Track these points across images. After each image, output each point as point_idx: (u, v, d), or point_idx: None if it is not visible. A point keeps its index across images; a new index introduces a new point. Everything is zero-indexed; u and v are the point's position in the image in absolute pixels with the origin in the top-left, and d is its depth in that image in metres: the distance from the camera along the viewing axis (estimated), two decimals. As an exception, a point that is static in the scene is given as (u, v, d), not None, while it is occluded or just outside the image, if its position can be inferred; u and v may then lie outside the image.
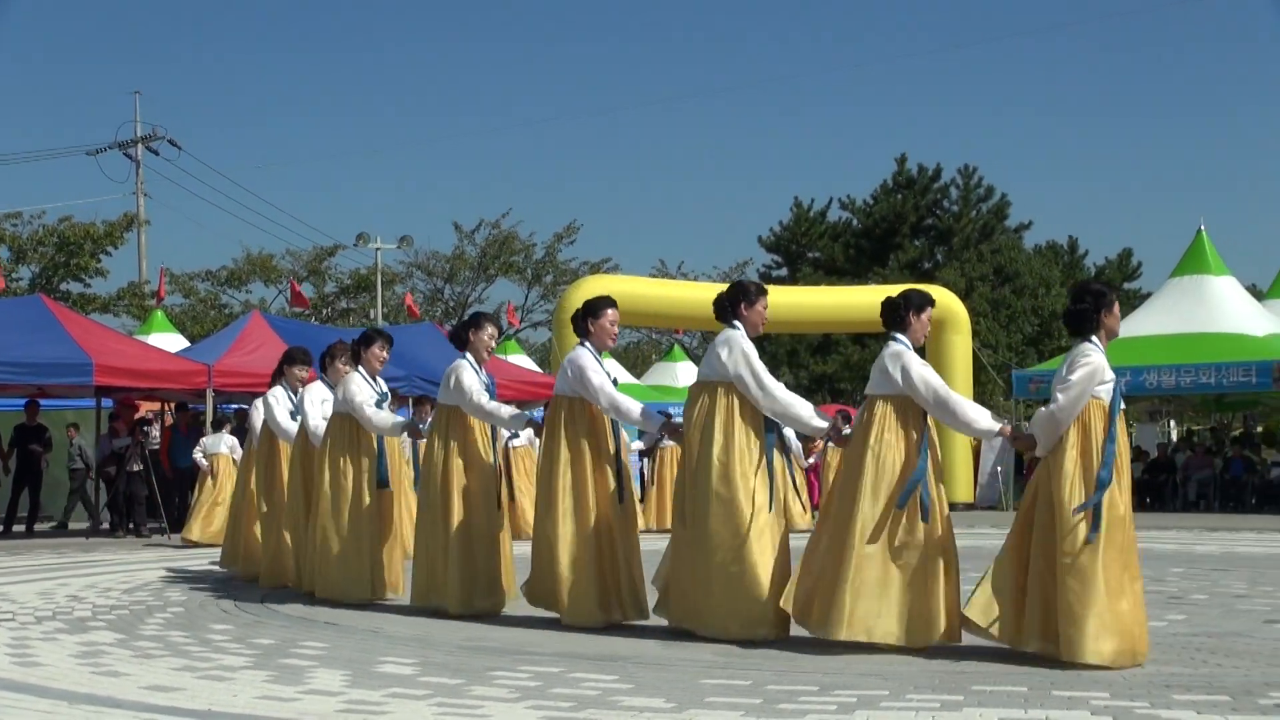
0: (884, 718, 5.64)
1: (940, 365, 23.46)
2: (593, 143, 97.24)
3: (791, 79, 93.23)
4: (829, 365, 43.53)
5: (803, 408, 7.88)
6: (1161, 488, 26.00)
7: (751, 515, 7.65)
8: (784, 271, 49.31)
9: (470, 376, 9.01)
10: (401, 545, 10.25)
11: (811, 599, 7.48)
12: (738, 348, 7.87)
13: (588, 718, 5.66)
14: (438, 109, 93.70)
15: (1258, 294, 30.77)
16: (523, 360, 31.43)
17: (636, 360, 49.97)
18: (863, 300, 27.86)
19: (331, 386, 10.45)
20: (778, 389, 7.84)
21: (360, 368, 10.06)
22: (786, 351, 45.35)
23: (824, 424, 7.93)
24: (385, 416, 9.74)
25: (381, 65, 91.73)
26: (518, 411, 9.20)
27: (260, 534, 11.52)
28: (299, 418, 10.86)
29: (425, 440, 9.33)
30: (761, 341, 8.72)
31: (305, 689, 6.33)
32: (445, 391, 9.12)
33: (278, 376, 11.78)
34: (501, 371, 20.68)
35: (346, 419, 9.83)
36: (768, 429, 7.87)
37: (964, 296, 33.34)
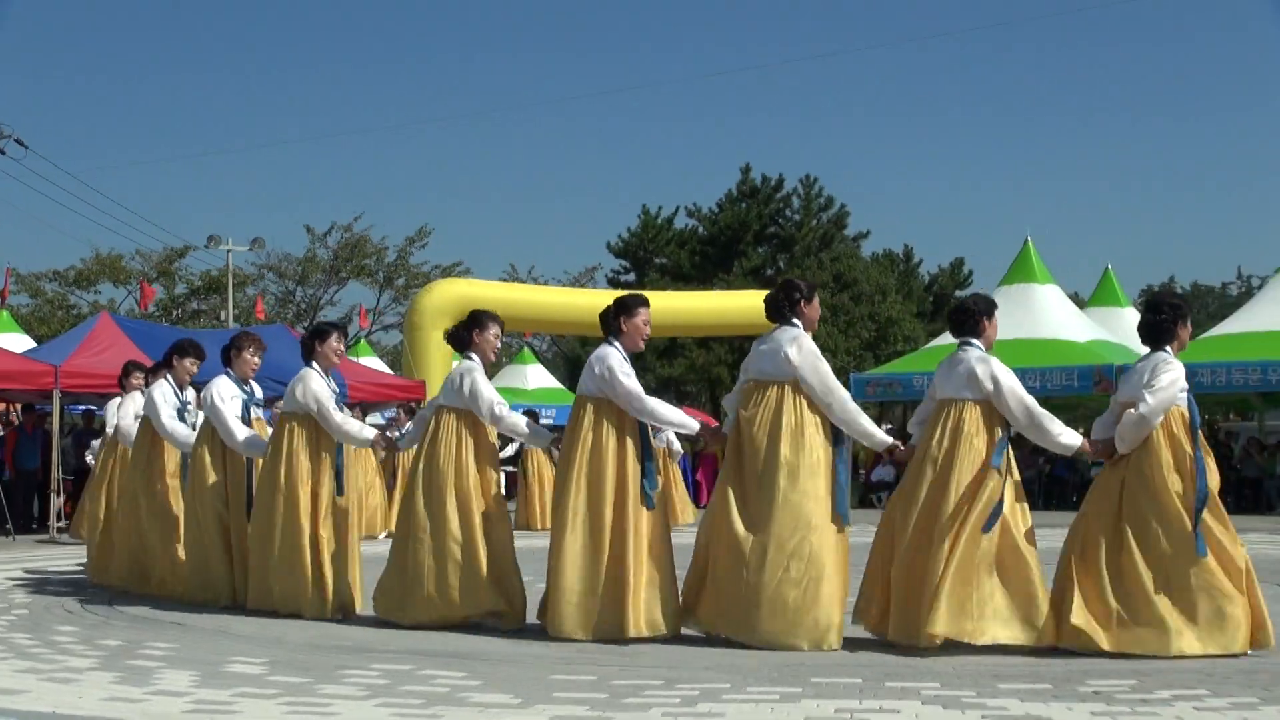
0: (725, 709, 5.68)
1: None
2: (445, 148, 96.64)
3: (639, 90, 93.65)
4: (674, 368, 43.79)
5: (868, 422, 7.77)
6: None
7: (821, 522, 7.41)
8: (632, 277, 49.46)
9: (319, 385, 8.93)
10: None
11: (898, 606, 7.32)
12: (808, 348, 7.66)
13: (436, 714, 5.61)
14: (291, 111, 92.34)
15: (1080, 302, 31.80)
16: (374, 362, 31.16)
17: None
18: (708, 305, 28.09)
19: (240, 381, 9.69)
20: (849, 399, 7.72)
21: (229, 371, 9.76)
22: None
23: (888, 440, 7.87)
24: (355, 424, 9.20)
25: (233, 66, 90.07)
26: (368, 427, 9.32)
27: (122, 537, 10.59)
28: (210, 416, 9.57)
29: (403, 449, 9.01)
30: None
31: (153, 690, 6.17)
32: (291, 400, 8.98)
33: (151, 373, 11.19)
34: (353, 373, 20.43)
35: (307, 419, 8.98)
36: (838, 438, 7.65)
37: (805, 302, 33.70)
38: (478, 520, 8.14)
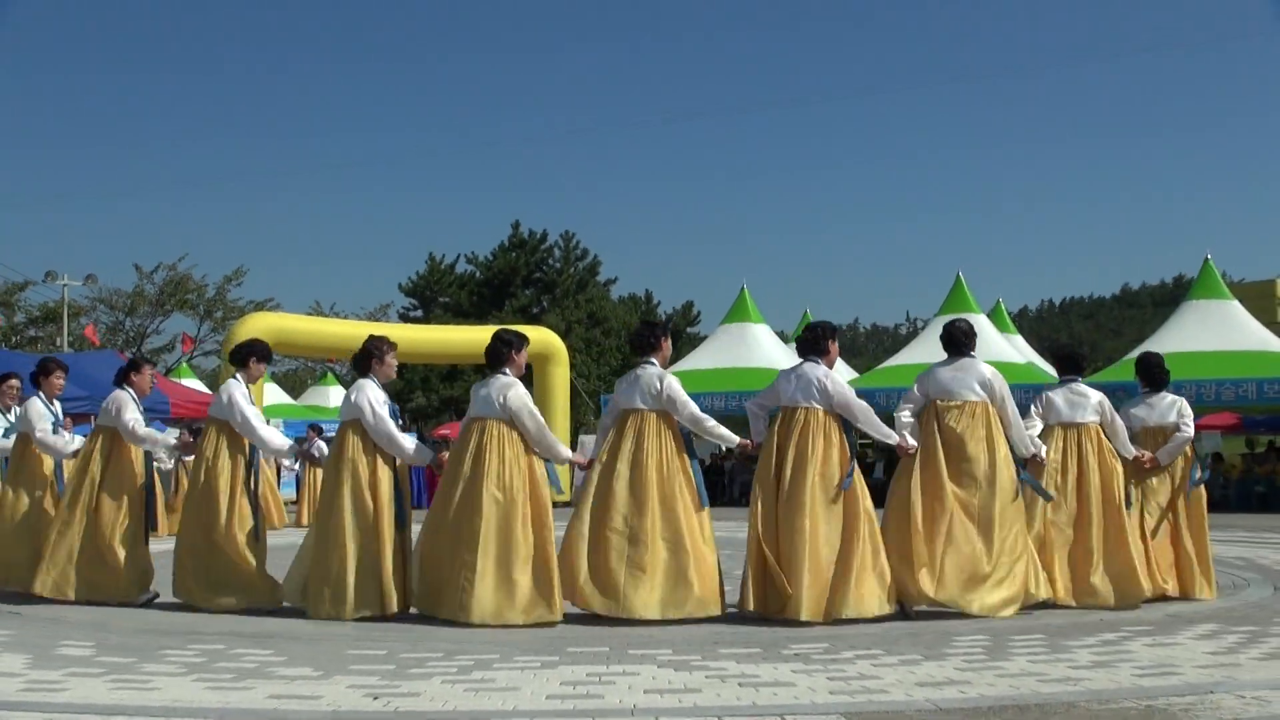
0: (495, 676, 5.64)
1: (543, 392, 23.73)
2: (258, 200, 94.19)
3: (430, 153, 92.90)
4: (455, 389, 43.55)
5: (885, 427, 7.89)
6: (714, 487, 27.22)
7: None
8: (420, 313, 49.06)
9: (131, 408, 8.68)
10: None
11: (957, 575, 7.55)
12: (838, 378, 7.76)
13: (246, 686, 5.43)
14: (124, 162, 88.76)
15: (785, 338, 32.81)
16: (195, 383, 30.14)
17: (294, 385, 48.64)
18: (484, 338, 27.71)
19: (136, 400, 8.92)
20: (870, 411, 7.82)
21: (40, 393, 9.31)
22: (420, 378, 44.99)
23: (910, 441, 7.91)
24: (279, 437, 8.73)
25: (71, 122, 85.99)
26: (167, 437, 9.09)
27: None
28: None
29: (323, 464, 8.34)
30: (401, 369, 8.44)
31: (-11, 672, 5.79)
32: (106, 416, 8.74)
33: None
34: (176, 393, 19.78)
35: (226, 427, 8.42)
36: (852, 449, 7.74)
37: (564, 336, 33.86)
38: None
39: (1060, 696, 5.09)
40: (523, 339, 8.17)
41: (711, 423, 7.95)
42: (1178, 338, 22.35)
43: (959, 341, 8.14)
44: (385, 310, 52.08)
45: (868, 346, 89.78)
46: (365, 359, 8.27)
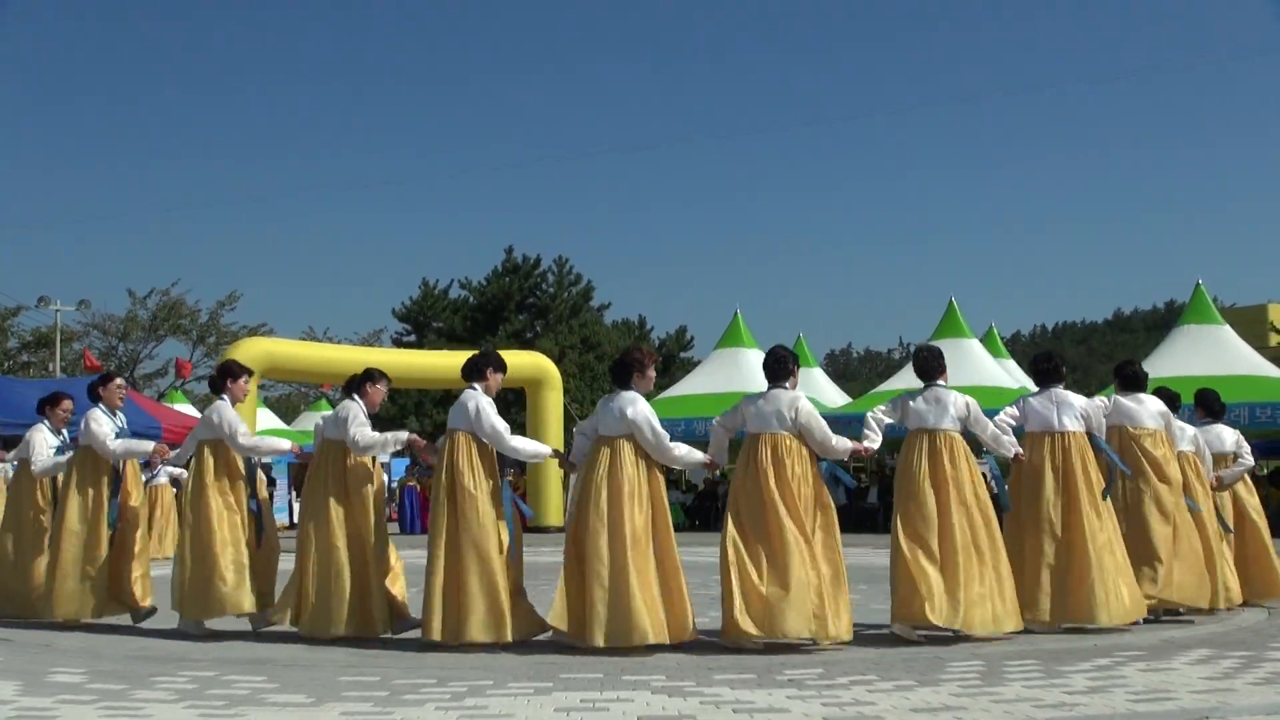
0: (489, 703, 5.62)
1: (537, 416, 23.70)
2: (252, 225, 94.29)
3: (423, 181, 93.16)
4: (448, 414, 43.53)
5: (842, 443, 7.77)
6: (708, 512, 27.10)
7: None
8: (413, 338, 49.02)
9: (102, 422, 8.80)
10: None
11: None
12: (809, 406, 7.72)
13: (238, 714, 5.40)
14: (117, 187, 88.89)
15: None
16: (187, 408, 30.00)
17: (287, 409, 48.56)
18: (477, 362, 27.90)
19: (54, 430, 9.47)
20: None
21: (47, 421, 9.53)
22: (414, 403, 44.91)
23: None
24: (277, 441, 9.08)
25: (59, 147, 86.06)
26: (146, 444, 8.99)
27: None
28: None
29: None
30: (393, 394, 8.51)
31: (-21, 700, 5.76)
32: (86, 434, 8.80)
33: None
34: (168, 418, 19.75)
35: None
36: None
37: (557, 361, 33.88)
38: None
39: (1055, 722, 5.08)
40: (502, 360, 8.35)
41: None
42: (1170, 362, 22.39)
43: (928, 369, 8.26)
44: (379, 335, 52.17)
45: (861, 370, 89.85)
46: (361, 383, 8.42)
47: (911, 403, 8.09)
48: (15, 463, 9.70)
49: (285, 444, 8.89)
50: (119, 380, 9.32)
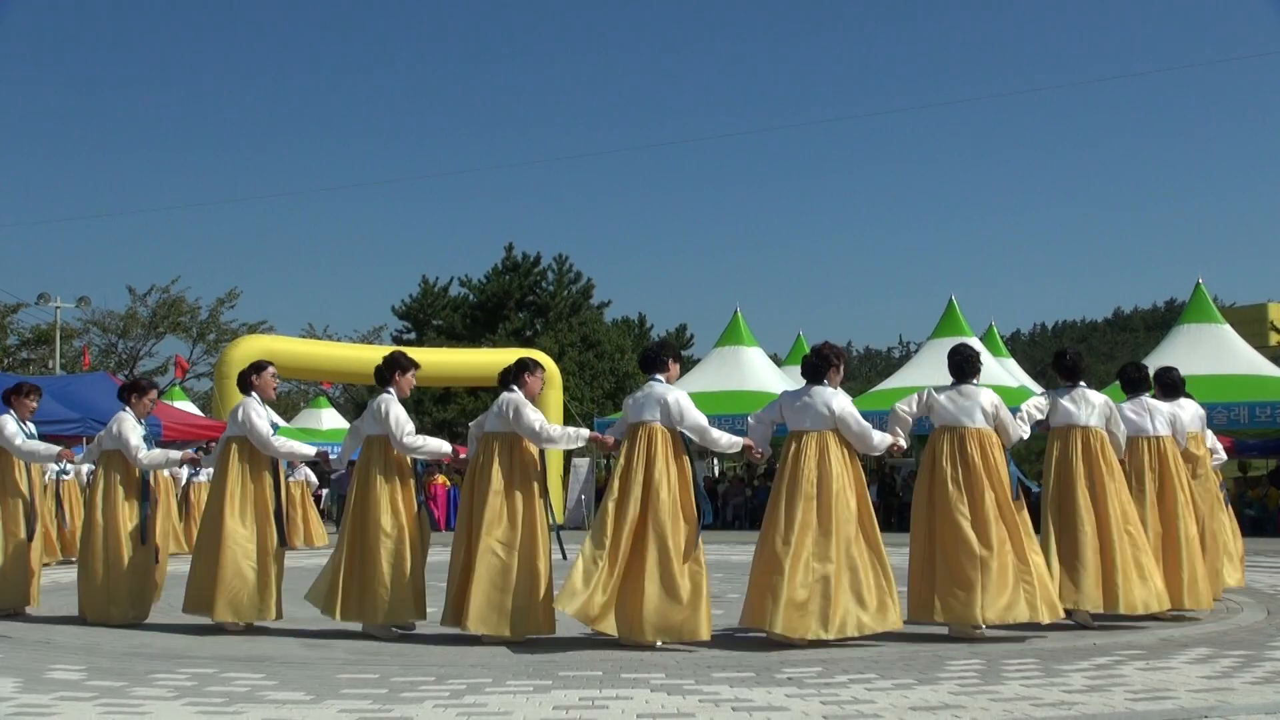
0: (488, 700, 5.62)
1: (538, 414, 23.70)
2: (252, 223, 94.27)
3: (423, 179, 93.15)
4: (448, 412, 43.48)
5: (880, 436, 7.80)
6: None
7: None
8: (413, 335, 48.99)
9: (132, 431, 8.88)
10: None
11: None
12: (847, 402, 7.74)
13: (237, 711, 5.40)
14: (117, 184, 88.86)
15: (778, 361, 32.82)
16: (187, 406, 30.04)
17: (287, 407, 48.57)
18: (477, 360, 27.94)
19: (20, 421, 9.32)
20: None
21: (11, 412, 9.42)
22: (414, 400, 44.93)
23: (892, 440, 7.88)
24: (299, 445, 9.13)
25: (63, 144, 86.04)
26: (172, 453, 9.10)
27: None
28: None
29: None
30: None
31: (-22, 696, 5.75)
32: (110, 437, 8.89)
33: None
34: (169, 415, 19.74)
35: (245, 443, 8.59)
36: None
37: (558, 359, 33.94)
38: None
39: (1054, 721, 5.08)
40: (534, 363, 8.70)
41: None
42: (1169, 362, 22.26)
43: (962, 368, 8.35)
44: (378, 333, 52.13)
45: (861, 370, 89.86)
46: (390, 370, 8.51)
47: (940, 398, 8.11)
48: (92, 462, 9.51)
49: (446, 446, 8.49)
50: (153, 394, 9.43)
